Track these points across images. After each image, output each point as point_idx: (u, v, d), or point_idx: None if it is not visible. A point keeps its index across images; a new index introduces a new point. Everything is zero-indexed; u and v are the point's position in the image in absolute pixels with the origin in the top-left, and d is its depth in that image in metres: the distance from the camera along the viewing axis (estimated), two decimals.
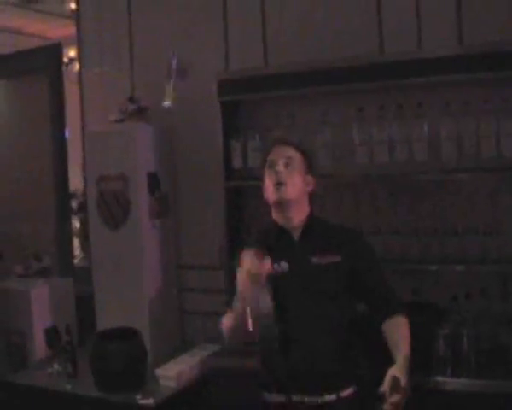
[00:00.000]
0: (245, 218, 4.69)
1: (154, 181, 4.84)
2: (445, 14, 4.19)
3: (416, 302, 4.09)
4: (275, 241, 3.24)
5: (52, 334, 4.92)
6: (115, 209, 4.82)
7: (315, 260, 3.16)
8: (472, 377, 3.77)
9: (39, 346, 5.00)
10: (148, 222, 4.81)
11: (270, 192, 3.21)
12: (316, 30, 4.52)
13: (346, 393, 3.12)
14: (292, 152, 3.25)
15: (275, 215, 3.27)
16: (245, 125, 4.64)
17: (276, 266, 3.13)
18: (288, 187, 3.15)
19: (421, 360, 3.85)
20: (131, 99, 5.00)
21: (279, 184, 3.15)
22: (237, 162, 4.55)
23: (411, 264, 4.19)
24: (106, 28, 5.38)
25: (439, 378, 3.78)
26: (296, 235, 3.23)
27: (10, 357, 5.04)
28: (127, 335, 4.41)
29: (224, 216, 4.51)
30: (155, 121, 4.98)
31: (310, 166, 3.29)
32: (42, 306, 5.10)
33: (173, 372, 4.39)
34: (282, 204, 3.18)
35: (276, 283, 3.09)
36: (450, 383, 3.75)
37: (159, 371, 4.42)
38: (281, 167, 3.18)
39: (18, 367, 4.91)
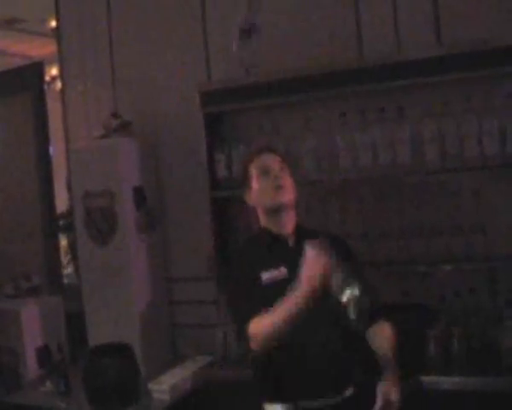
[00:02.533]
0: (232, 227, 4.70)
1: (139, 195, 4.84)
2: (422, 15, 4.21)
3: (406, 304, 4.12)
4: (269, 248, 3.23)
5: (44, 352, 4.92)
6: (102, 225, 4.81)
7: None
8: (463, 375, 3.79)
9: (31, 365, 4.98)
10: (135, 236, 4.81)
11: (267, 196, 3.19)
12: (295, 37, 4.55)
13: (348, 393, 3.13)
14: (279, 158, 3.29)
15: (267, 222, 3.26)
16: (229, 135, 4.66)
17: (276, 272, 3.12)
18: (287, 190, 3.18)
19: (412, 361, 3.88)
20: (115, 115, 5.00)
21: (278, 188, 3.16)
22: (222, 173, 4.55)
23: (399, 266, 4.20)
24: (87, 45, 5.39)
25: (431, 378, 3.79)
26: (291, 241, 3.24)
27: (2, 377, 5.01)
28: (119, 350, 4.39)
29: (211, 227, 4.53)
30: (139, 136, 4.99)
31: (292, 173, 3.31)
32: (33, 325, 5.07)
33: (166, 386, 4.37)
34: (279, 208, 3.19)
35: (277, 289, 3.08)
36: (442, 382, 3.77)
37: (152, 385, 4.40)
38: (278, 172, 3.20)
39: (10, 387, 4.88)
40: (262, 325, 2.92)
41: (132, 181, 4.83)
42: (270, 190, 3.18)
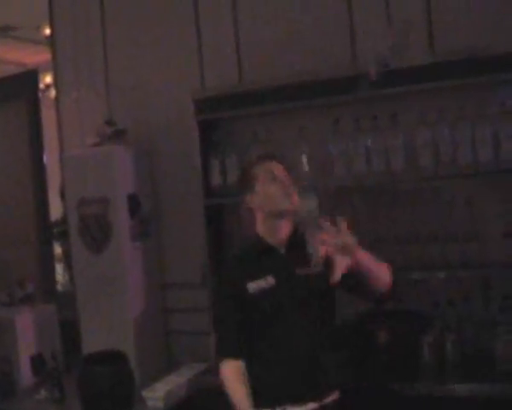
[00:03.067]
0: (226, 234, 4.71)
1: (134, 203, 4.84)
2: (415, 22, 4.21)
3: (400, 311, 4.12)
4: (259, 257, 3.28)
5: (38, 360, 4.91)
6: (97, 233, 4.81)
7: (299, 271, 3.16)
8: (457, 382, 3.79)
9: (25, 373, 4.98)
10: (129, 244, 4.81)
11: (275, 201, 3.23)
12: (289, 44, 4.56)
13: (328, 399, 3.14)
14: (283, 168, 3.33)
15: (264, 226, 3.30)
16: (223, 142, 4.65)
17: (262, 282, 3.17)
18: (295, 199, 3.19)
19: (406, 368, 3.90)
20: (109, 122, 5.00)
21: (289, 195, 3.21)
22: (216, 180, 4.56)
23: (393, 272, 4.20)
24: (81, 53, 5.39)
25: (425, 385, 3.79)
26: (281, 248, 3.28)
27: None
28: (113, 358, 4.39)
29: (205, 234, 4.53)
30: (134, 143, 4.99)
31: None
32: (27, 333, 5.07)
33: (161, 393, 4.36)
34: (284, 214, 3.24)
35: (264, 298, 3.13)
36: (436, 388, 3.77)
37: (146, 393, 4.39)
38: (285, 178, 3.26)
39: (5, 395, 4.88)
40: (229, 384, 3.23)
41: (127, 188, 4.83)
42: (280, 196, 3.23)
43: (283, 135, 4.49)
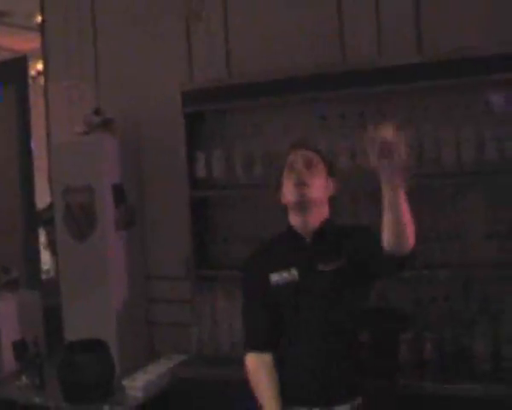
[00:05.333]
0: (210, 227, 4.72)
1: (119, 192, 4.85)
2: (404, 22, 4.24)
3: (380, 308, 4.12)
4: (286, 248, 3.19)
5: (20, 346, 4.92)
6: (82, 221, 4.83)
7: (321, 266, 3.08)
8: (436, 380, 3.81)
9: (8, 359, 4.97)
10: (114, 233, 4.82)
11: (289, 193, 3.12)
12: (278, 39, 4.56)
13: (356, 402, 3.07)
14: (312, 154, 3.19)
15: (292, 219, 3.17)
16: (209, 135, 4.67)
17: (285, 274, 3.11)
18: (310, 187, 3.08)
19: (385, 366, 3.90)
20: (97, 111, 5.01)
21: (300, 184, 3.07)
22: (202, 172, 4.57)
23: None
24: (71, 42, 5.38)
25: (404, 382, 3.80)
26: (309, 240, 3.15)
27: None
28: (95, 346, 4.41)
29: (189, 226, 4.55)
30: (121, 133, 5.00)
31: (330, 169, 3.24)
32: (10, 318, 5.06)
33: (140, 383, 4.39)
34: (302, 205, 3.10)
35: (285, 291, 3.08)
36: (415, 386, 3.78)
37: (126, 382, 4.42)
38: (301, 167, 3.11)
39: None
40: (252, 379, 3.11)
41: (112, 178, 4.84)
42: (290, 186, 3.10)
43: (270, 129, 4.50)
